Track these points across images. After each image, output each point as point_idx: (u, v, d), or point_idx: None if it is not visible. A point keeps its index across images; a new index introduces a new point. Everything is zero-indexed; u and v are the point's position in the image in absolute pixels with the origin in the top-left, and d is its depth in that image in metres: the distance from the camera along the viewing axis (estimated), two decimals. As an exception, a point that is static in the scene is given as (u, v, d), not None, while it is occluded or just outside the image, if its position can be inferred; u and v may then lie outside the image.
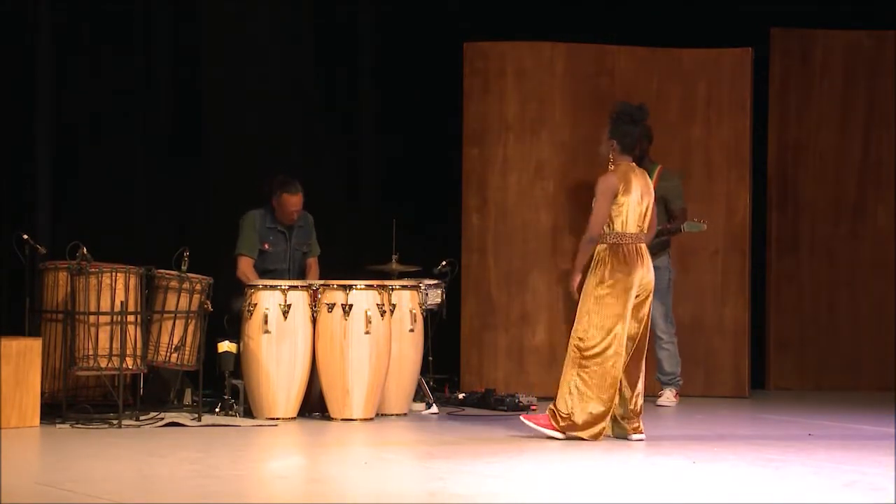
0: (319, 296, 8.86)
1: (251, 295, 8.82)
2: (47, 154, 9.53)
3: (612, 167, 8.25)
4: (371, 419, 8.82)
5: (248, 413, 8.80)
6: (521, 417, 8.24)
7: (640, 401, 8.05)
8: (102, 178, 9.77)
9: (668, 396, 9.91)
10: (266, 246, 9.33)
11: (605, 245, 8.08)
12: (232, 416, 8.76)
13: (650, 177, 9.80)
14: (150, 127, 9.98)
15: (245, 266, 9.25)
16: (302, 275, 9.39)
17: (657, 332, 9.86)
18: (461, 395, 9.84)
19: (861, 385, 10.88)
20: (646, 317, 8.10)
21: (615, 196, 8.10)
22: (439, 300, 9.50)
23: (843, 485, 6.70)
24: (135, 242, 9.60)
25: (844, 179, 11.18)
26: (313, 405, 8.95)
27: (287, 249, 9.39)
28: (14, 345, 8.24)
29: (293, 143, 10.43)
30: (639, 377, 8.06)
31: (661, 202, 9.82)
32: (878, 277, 11.10)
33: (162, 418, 8.47)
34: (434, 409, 9.35)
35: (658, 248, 9.66)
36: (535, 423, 8.02)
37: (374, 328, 8.80)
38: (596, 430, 7.88)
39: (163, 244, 9.22)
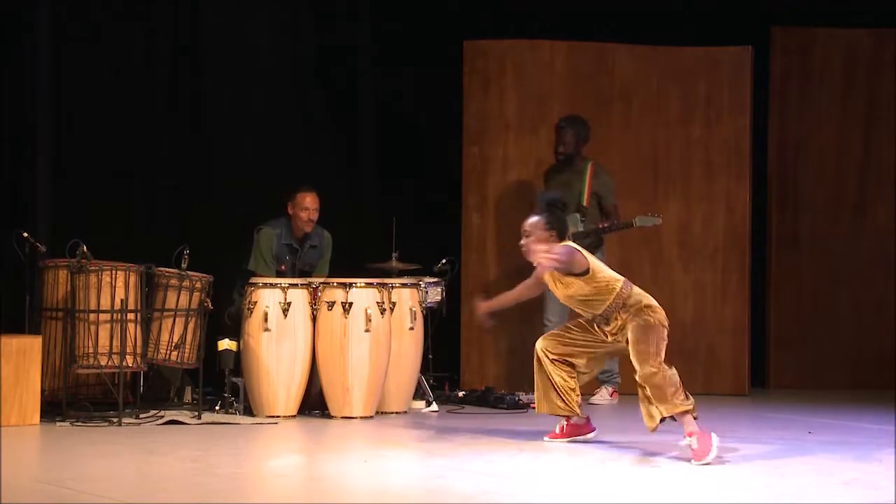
0: (319, 294, 8.86)
1: (251, 293, 8.82)
2: (47, 151, 9.52)
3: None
4: (371, 417, 8.83)
5: (248, 411, 8.81)
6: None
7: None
8: (102, 175, 9.76)
9: (602, 395, 9.91)
10: (283, 267, 9.30)
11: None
12: (232, 414, 8.76)
13: (583, 174, 9.93)
14: (150, 125, 9.98)
15: None
16: None
17: None
18: (461, 394, 9.85)
19: (861, 383, 10.88)
20: None
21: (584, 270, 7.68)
22: (439, 298, 9.51)
23: (843, 483, 6.71)
24: (135, 240, 9.60)
25: (844, 177, 11.19)
26: (313, 403, 8.95)
27: (293, 267, 9.35)
28: (14, 343, 8.24)
29: (293, 141, 10.43)
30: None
31: (595, 198, 9.91)
32: (878, 275, 11.10)
33: (162, 416, 8.47)
34: (434, 407, 9.35)
35: (594, 246, 9.74)
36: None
37: (374, 326, 8.80)
38: None
39: (163, 242, 9.22)
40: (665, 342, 7.59)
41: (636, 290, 7.69)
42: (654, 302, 7.68)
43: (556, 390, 7.86)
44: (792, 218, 11.19)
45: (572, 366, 7.86)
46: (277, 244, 9.31)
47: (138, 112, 9.95)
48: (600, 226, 9.89)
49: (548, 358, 7.86)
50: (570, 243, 7.79)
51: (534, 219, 7.82)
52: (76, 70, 9.72)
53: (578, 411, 7.90)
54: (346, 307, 8.78)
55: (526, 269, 10.37)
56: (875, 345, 11.03)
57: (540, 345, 7.91)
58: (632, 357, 7.54)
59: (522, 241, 7.84)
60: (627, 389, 8.29)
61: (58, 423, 8.25)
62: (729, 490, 6.62)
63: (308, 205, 9.30)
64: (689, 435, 7.31)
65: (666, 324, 7.62)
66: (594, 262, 7.71)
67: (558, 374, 7.84)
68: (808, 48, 11.20)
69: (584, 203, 9.96)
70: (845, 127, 11.19)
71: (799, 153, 11.23)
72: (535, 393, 7.97)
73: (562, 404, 7.87)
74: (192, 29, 10.15)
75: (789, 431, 8.51)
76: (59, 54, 9.60)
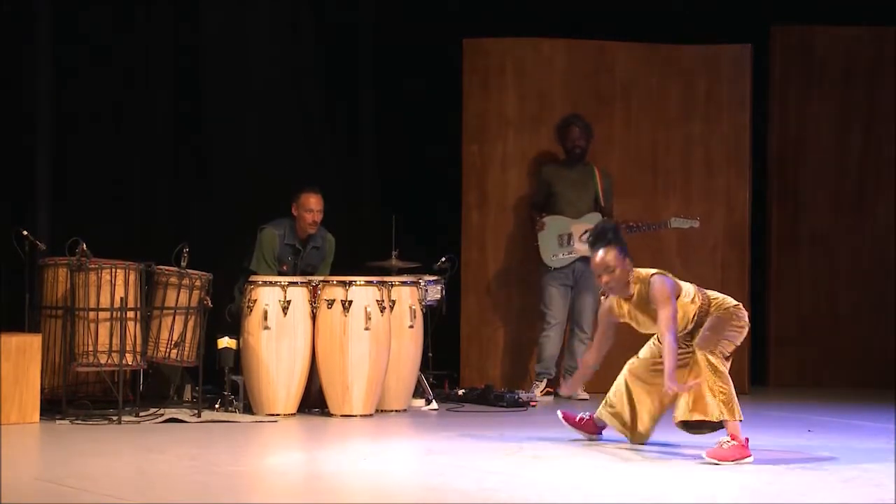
0: (319, 292, 8.86)
1: (251, 291, 8.82)
2: (47, 150, 9.53)
3: (633, 282, 7.36)
4: (370, 415, 8.83)
5: (248, 409, 8.81)
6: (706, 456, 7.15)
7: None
8: (102, 173, 9.77)
9: (583, 389, 9.95)
10: (285, 267, 9.30)
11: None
12: (232, 412, 8.76)
13: (593, 177, 10.02)
14: (149, 123, 9.98)
15: None
16: None
17: (584, 326, 9.97)
18: (461, 392, 9.84)
19: (862, 381, 10.87)
20: None
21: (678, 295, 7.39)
22: (439, 296, 9.50)
23: (842, 481, 6.70)
24: (134, 238, 9.60)
25: (844, 175, 11.19)
26: (313, 401, 8.95)
27: (294, 268, 9.34)
28: (14, 341, 8.24)
29: (293, 139, 10.43)
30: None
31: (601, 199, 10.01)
32: (879, 273, 11.10)
33: (162, 414, 8.47)
34: (433, 405, 9.35)
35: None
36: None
37: (373, 324, 8.80)
38: None
39: (162, 240, 9.22)
40: (733, 344, 7.39)
41: (712, 294, 7.46)
42: (734, 301, 7.45)
43: (630, 406, 7.65)
44: (792, 216, 11.19)
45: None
46: (280, 245, 9.31)
47: (138, 110, 9.94)
48: (631, 224, 9.92)
49: (631, 376, 7.67)
50: (657, 272, 7.36)
51: (609, 252, 7.29)
52: (77, 68, 9.72)
53: (630, 435, 7.69)
54: (346, 305, 8.78)
55: (525, 267, 10.41)
56: (876, 343, 11.02)
57: (629, 365, 7.65)
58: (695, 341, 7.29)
59: (606, 279, 7.31)
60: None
61: (57, 422, 8.25)
62: (728, 488, 6.62)
63: (312, 206, 9.29)
64: (734, 438, 7.19)
65: (743, 324, 7.40)
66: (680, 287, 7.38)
67: (637, 393, 7.64)
68: (808, 46, 11.19)
69: (602, 203, 10.03)
70: (845, 125, 11.18)
71: (798, 151, 11.23)
72: (610, 401, 7.71)
73: (620, 423, 7.70)
74: (193, 28, 10.15)
75: (789, 430, 8.51)
76: (60, 52, 9.60)
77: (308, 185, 9.33)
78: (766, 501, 6.38)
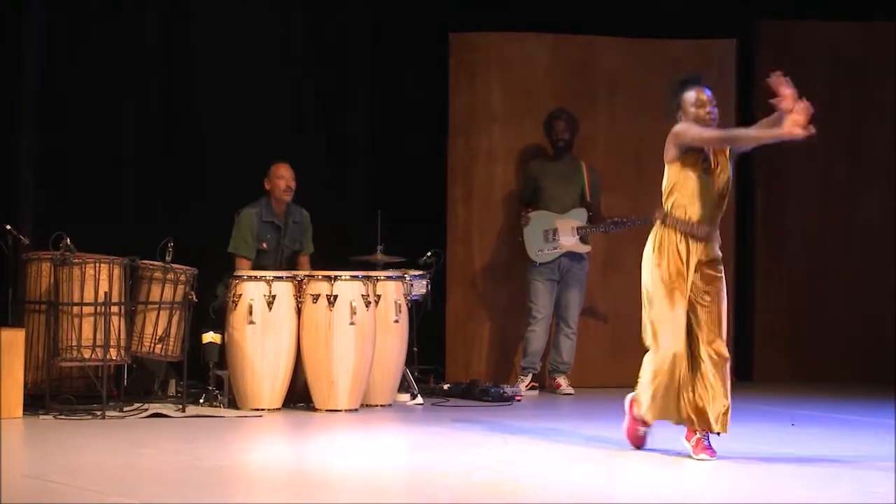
0: (304, 286, 8.85)
1: (236, 286, 8.81)
2: (32, 144, 9.50)
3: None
4: (356, 410, 8.82)
5: (233, 404, 8.80)
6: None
7: None
8: (87, 168, 9.75)
9: (568, 384, 10.01)
10: (265, 245, 9.30)
11: None
12: (216, 406, 8.75)
13: (580, 172, 10.04)
14: (137, 117, 9.97)
15: (245, 268, 9.16)
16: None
17: (570, 321, 9.99)
18: (446, 386, 9.85)
19: (849, 376, 10.88)
20: None
21: None
22: (424, 291, 9.50)
23: (825, 475, 6.71)
24: (119, 233, 9.57)
25: (833, 170, 11.20)
26: (298, 396, 8.94)
27: (278, 246, 9.35)
28: (-3, 335, 8.22)
29: (281, 134, 10.41)
30: None
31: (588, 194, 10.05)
32: (866, 268, 11.11)
33: (146, 409, 8.46)
34: (419, 399, 9.35)
35: (588, 238, 10.01)
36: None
37: (358, 319, 8.79)
38: None
39: (147, 235, 9.20)
40: None
41: None
42: None
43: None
44: (780, 210, 11.20)
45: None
46: (258, 223, 9.31)
47: (126, 105, 9.94)
48: (616, 220, 9.94)
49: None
50: None
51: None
52: (65, 62, 9.70)
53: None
54: (331, 300, 8.76)
55: (510, 261, 10.41)
56: (862, 338, 11.03)
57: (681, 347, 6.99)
58: (709, 322, 7.19)
59: (710, 109, 7.63)
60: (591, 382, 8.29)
61: (41, 417, 8.23)
62: (713, 484, 6.62)
63: (283, 174, 9.34)
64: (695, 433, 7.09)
65: None
66: None
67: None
68: (794, 41, 11.20)
69: (588, 198, 10.05)
70: (831, 119, 11.17)
71: (784, 146, 11.20)
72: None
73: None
74: (184, 22, 10.13)
75: (771, 424, 8.52)
76: (49, 46, 9.59)
77: (276, 160, 9.35)
78: (748, 495, 6.38)
